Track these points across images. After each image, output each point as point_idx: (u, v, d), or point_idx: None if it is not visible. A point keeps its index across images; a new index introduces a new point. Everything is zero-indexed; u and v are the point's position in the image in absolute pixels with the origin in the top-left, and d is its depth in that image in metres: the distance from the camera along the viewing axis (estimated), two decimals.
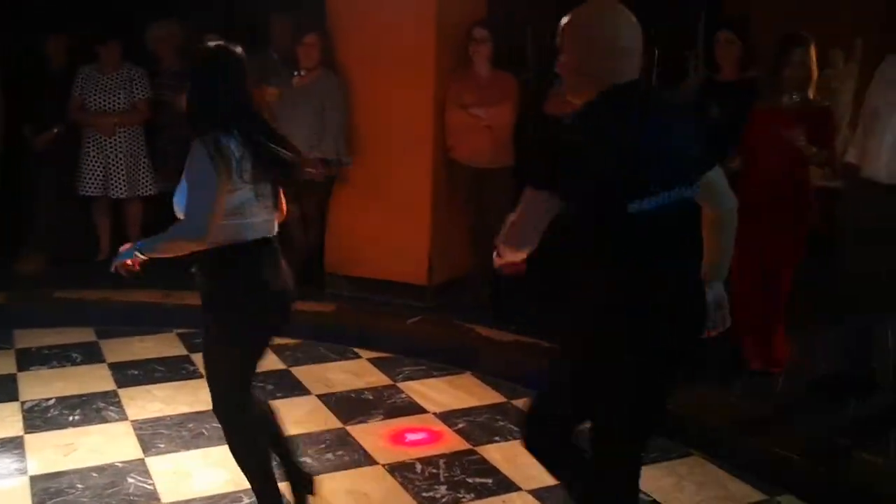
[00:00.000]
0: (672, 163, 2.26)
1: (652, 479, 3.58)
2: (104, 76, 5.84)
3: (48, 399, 4.19)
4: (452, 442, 3.94)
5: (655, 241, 2.27)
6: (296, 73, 5.25)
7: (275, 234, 2.94)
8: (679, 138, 2.29)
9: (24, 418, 4.00)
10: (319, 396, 4.40)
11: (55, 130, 5.77)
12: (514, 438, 3.96)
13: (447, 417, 4.19)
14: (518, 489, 3.50)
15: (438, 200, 5.49)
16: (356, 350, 5.07)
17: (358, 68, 5.45)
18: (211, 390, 2.94)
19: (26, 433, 3.85)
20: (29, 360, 4.72)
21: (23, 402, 4.17)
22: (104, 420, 4.03)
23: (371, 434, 3.97)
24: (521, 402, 4.35)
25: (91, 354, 4.86)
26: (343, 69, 5.47)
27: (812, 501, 3.41)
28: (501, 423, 4.13)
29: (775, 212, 4.18)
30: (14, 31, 5.94)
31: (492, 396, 4.48)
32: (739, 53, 4.57)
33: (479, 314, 5.25)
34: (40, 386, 4.36)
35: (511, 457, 3.78)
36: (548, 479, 3.51)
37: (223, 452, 3.67)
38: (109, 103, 5.84)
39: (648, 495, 3.46)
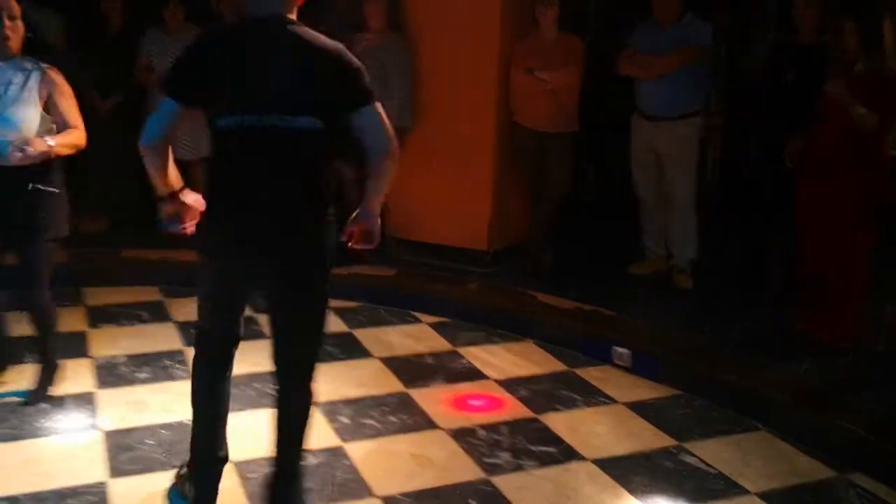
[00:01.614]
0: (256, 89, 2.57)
1: (718, 452, 3.55)
2: (170, 37, 5.87)
3: (118, 356, 4.28)
4: (514, 409, 3.94)
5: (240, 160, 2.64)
6: (363, 34, 5.21)
7: None
8: (278, 71, 2.56)
9: (96, 374, 4.09)
10: (381, 359, 4.43)
11: (120, 98, 5.84)
12: (577, 407, 3.97)
13: (508, 384, 4.18)
14: (581, 458, 3.49)
15: (500, 165, 5.44)
16: (416, 314, 5.08)
17: (423, 30, 5.41)
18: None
19: (98, 389, 3.95)
20: (98, 317, 4.84)
21: (94, 359, 4.27)
22: (172, 378, 4.11)
23: (433, 398, 3.98)
24: (582, 371, 4.34)
25: (157, 313, 4.95)
26: (409, 31, 5.41)
27: (885, 480, 3.33)
28: (564, 392, 4.12)
29: (843, 178, 4.07)
30: None
31: (553, 364, 4.46)
32: (818, 16, 4.42)
33: (538, 280, 5.22)
34: (110, 343, 4.46)
35: (574, 425, 3.77)
36: (612, 449, 3.55)
37: None
38: None
39: (714, 467, 3.43)
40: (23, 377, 3.90)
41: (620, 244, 5.60)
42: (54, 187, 3.56)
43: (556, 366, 4.44)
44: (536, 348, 4.66)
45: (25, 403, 3.70)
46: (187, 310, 5.00)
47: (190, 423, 3.54)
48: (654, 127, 5.08)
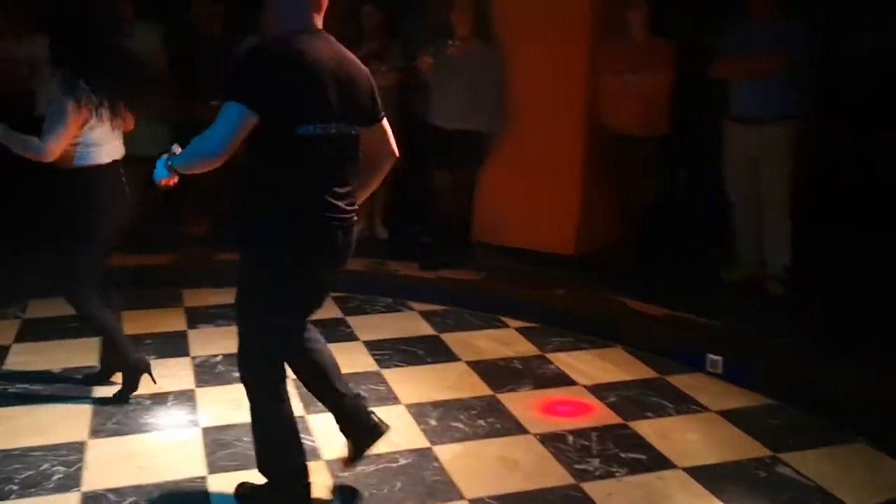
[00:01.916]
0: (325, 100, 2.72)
1: (814, 463, 3.46)
2: None
3: (216, 356, 4.42)
4: (604, 415, 3.91)
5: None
6: (450, 41, 5.26)
7: None
8: (338, 82, 2.74)
9: (195, 373, 4.25)
10: (468, 363, 4.46)
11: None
12: (668, 414, 3.92)
13: (597, 390, 4.15)
14: (673, 466, 3.44)
15: (588, 169, 5.42)
16: (503, 318, 5.10)
17: (511, 35, 5.42)
18: None
19: (197, 387, 4.09)
20: (197, 318, 5.01)
21: (193, 358, 4.43)
22: None
23: (521, 403, 3.99)
24: (672, 378, 4.28)
25: None
26: (497, 37, 5.44)
27: None
28: (654, 399, 4.07)
29: None
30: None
31: (642, 371, 4.42)
32: None
33: (627, 286, 5.17)
34: (208, 343, 4.61)
35: (665, 433, 3.72)
36: (704, 457, 3.50)
37: (380, 413, 3.77)
38: None
39: (810, 479, 3.34)
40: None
41: (712, 249, 5.50)
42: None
43: (646, 372, 4.40)
44: (625, 354, 4.62)
45: (120, 403, 3.87)
46: None
47: None
48: (747, 130, 4.97)
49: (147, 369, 3.91)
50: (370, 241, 6.24)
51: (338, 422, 3.20)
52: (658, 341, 4.62)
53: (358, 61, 2.86)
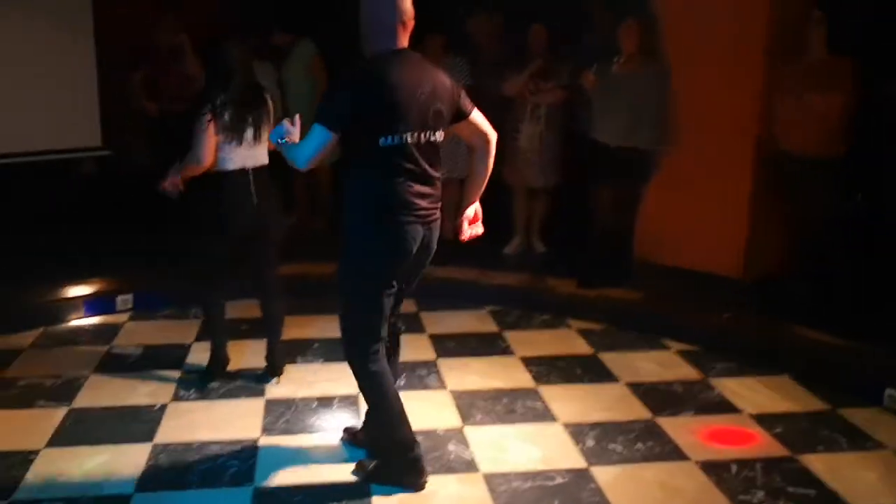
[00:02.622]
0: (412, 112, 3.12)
1: None
2: None
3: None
4: (770, 446, 3.75)
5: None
6: (615, 59, 5.22)
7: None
8: (424, 95, 3.13)
9: None
10: (628, 384, 4.39)
11: None
12: (840, 450, 3.72)
13: (763, 420, 3.99)
14: None
15: (759, 191, 5.22)
16: (663, 340, 4.98)
17: (680, 51, 5.32)
18: None
19: (359, 394, 4.22)
20: None
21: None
22: (426, 387, 4.33)
23: (682, 428, 3.88)
24: (846, 412, 4.05)
25: (413, 324, 5.22)
26: (665, 52, 5.35)
27: None
28: (824, 433, 3.87)
29: None
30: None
31: (812, 402, 4.21)
32: None
33: (798, 313, 4.93)
34: None
35: (836, 469, 3.53)
36: (881, 499, 3.29)
37: (536, 430, 3.84)
38: None
39: None
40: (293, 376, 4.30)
41: (893, 276, 5.16)
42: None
43: (816, 404, 4.18)
44: (793, 383, 4.41)
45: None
46: (440, 323, 5.25)
47: (439, 432, 3.76)
48: None
49: (221, 372, 4.32)
50: (527, 255, 6.27)
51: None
52: (830, 371, 4.39)
53: (442, 74, 3.24)
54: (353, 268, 3.25)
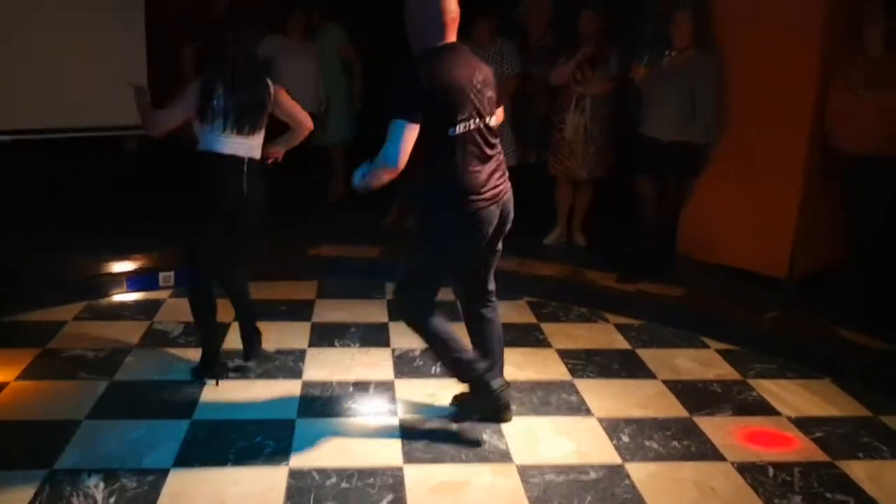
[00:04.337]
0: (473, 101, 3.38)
1: None
2: (478, 52, 6.12)
3: (414, 349, 4.56)
4: (808, 451, 3.69)
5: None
6: (668, 52, 5.13)
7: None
8: (480, 83, 3.42)
9: (395, 364, 4.41)
10: (665, 382, 4.34)
11: None
12: (882, 457, 3.65)
13: (803, 424, 3.93)
14: None
15: (809, 188, 5.11)
16: (703, 338, 4.92)
17: (733, 44, 5.21)
18: None
19: (396, 378, 4.25)
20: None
21: (393, 350, 4.60)
22: None
23: (719, 428, 3.84)
24: (889, 419, 3.98)
25: (450, 313, 5.19)
26: (718, 45, 5.25)
27: None
28: (866, 439, 3.79)
29: None
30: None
31: (854, 408, 4.13)
32: None
33: (845, 315, 4.84)
34: (408, 336, 4.72)
35: (878, 477, 3.47)
36: None
37: (572, 423, 3.82)
38: None
39: None
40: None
41: None
42: None
43: (859, 410, 4.10)
44: (836, 388, 4.33)
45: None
46: None
47: (475, 421, 3.75)
48: None
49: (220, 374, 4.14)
50: (568, 247, 6.22)
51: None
52: (874, 377, 4.31)
53: (484, 64, 3.50)
54: (427, 252, 3.50)
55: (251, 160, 3.94)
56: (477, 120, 3.36)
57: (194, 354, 4.26)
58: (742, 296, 5.21)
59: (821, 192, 5.13)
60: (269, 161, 4.12)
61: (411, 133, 3.23)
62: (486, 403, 3.70)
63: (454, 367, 3.67)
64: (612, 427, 3.81)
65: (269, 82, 3.98)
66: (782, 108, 5.05)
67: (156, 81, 6.40)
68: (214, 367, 4.12)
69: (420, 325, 3.59)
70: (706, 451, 3.64)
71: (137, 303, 5.19)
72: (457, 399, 3.87)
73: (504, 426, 3.75)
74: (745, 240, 5.31)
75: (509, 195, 3.54)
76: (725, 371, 4.51)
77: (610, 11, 5.79)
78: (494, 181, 3.43)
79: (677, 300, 5.27)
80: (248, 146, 3.93)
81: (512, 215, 3.56)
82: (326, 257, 5.88)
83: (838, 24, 4.91)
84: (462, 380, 3.71)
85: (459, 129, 3.31)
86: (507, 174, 3.54)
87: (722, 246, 5.43)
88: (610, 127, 5.92)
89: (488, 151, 3.43)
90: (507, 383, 3.75)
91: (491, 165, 3.43)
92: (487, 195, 3.39)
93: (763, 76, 5.09)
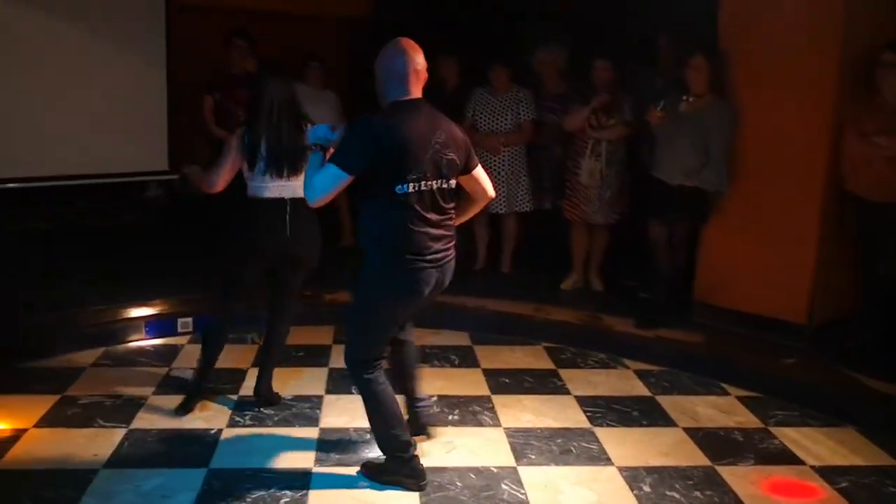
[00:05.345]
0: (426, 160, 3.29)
1: None
2: (495, 98, 6.22)
3: (431, 396, 4.53)
4: (833, 501, 3.63)
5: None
6: (684, 97, 5.15)
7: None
8: (438, 144, 3.32)
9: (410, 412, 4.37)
10: (685, 429, 4.29)
11: None
12: None
13: (827, 473, 3.86)
14: None
15: (825, 234, 5.09)
16: (723, 385, 4.87)
17: (747, 90, 5.22)
18: None
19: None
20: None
21: None
22: (479, 423, 4.28)
23: (742, 478, 3.78)
24: None
25: (467, 358, 5.20)
26: (732, 91, 5.28)
27: None
28: (892, 489, 3.73)
29: None
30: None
31: (879, 456, 4.06)
32: None
33: (865, 362, 4.79)
34: (425, 383, 4.72)
35: None
36: None
37: (592, 473, 3.77)
38: (498, 124, 6.21)
39: None
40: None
41: None
42: None
43: (883, 459, 4.04)
44: (858, 436, 4.27)
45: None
46: (493, 358, 5.21)
47: (493, 470, 3.73)
48: None
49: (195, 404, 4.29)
50: (584, 292, 6.20)
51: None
52: None
53: (454, 125, 3.41)
54: (364, 304, 3.47)
55: (294, 201, 4.00)
56: (431, 182, 3.27)
57: (210, 402, 4.25)
58: (760, 342, 5.17)
59: (838, 238, 5.11)
60: None
61: (341, 182, 3.21)
62: (398, 471, 3.58)
63: (381, 435, 3.58)
64: (633, 476, 3.75)
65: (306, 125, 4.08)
66: (798, 155, 5.05)
67: (175, 128, 6.55)
68: (195, 402, 4.28)
69: (357, 378, 3.54)
70: (729, 502, 3.58)
71: (156, 348, 5.20)
72: (366, 466, 3.70)
73: (523, 476, 3.71)
74: (763, 286, 5.27)
75: (452, 263, 3.47)
76: (746, 418, 4.45)
77: (623, 58, 5.84)
78: (439, 245, 3.35)
79: (697, 346, 5.23)
80: (293, 188, 4.00)
81: (448, 281, 3.48)
82: (343, 303, 5.87)
83: (852, 73, 4.92)
84: (382, 449, 3.61)
85: (410, 187, 3.22)
86: (453, 241, 3.46)
87: (740, 291, 5.39)
88: (625, 171, 5.94)
89: (435, 217, 3.33)
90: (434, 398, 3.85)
91: (438, 230, 3.34)
92: (429, 257, 3.32)
93: (778, 123, 5.10)
